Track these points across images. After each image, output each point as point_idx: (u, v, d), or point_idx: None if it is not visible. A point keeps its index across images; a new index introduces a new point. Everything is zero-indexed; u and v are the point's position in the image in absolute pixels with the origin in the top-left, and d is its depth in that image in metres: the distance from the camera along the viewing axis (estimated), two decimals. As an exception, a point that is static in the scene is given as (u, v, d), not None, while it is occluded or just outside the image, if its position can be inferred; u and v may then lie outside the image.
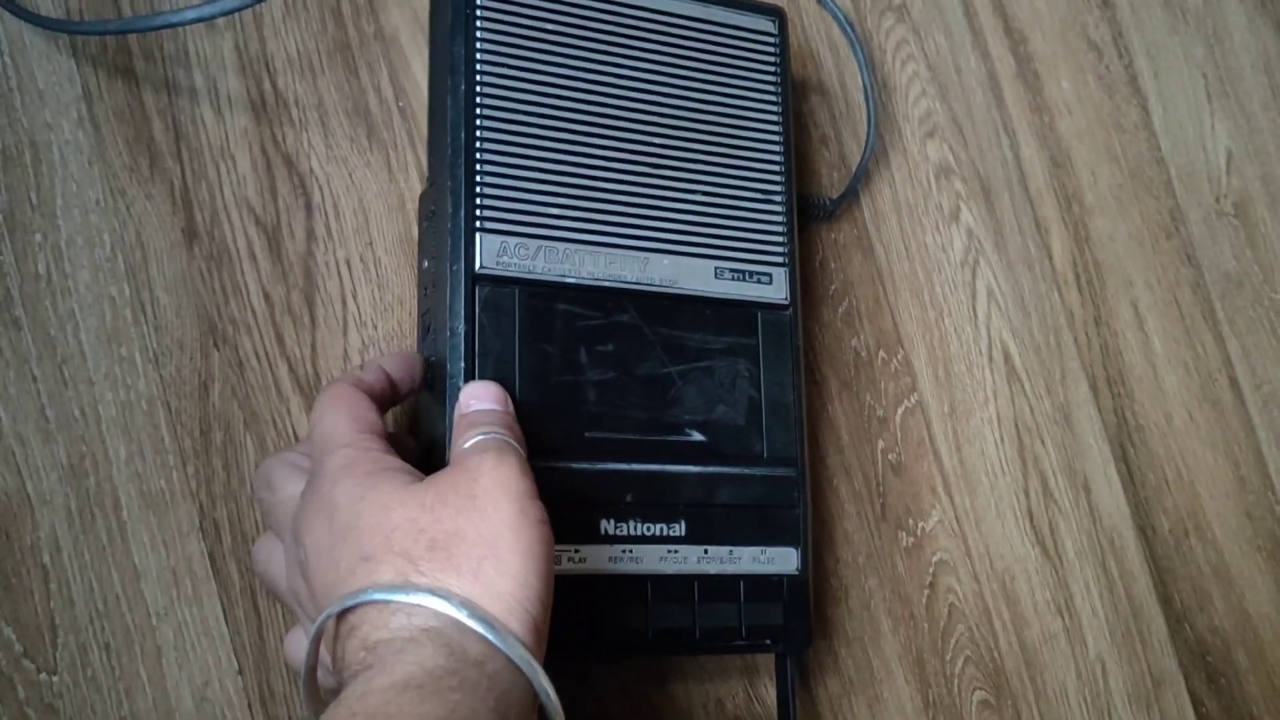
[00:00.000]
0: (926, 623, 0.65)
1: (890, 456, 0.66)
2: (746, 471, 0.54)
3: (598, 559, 0.51)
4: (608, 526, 0.51)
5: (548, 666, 0.40)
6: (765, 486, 0.55)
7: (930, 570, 0.66)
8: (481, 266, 0.50)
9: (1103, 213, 0.74)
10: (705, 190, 0.56)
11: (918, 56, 0.71)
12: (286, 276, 0.56)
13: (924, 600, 0.65)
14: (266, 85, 0.57)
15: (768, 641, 0.54)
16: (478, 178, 0.51)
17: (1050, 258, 0.72)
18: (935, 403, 0.68)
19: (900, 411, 0.67)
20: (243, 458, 0.54)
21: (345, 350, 0.56)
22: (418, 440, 0.52)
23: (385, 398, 0.49)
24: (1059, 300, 0.72)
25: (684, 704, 0.59)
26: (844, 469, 0.65)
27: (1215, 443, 0.74)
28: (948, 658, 0.65)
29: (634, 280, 0.53)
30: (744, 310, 0.56)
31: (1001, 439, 0.69)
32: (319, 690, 0.43)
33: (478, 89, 0.52)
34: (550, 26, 0.54)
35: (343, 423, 0.45)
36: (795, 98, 0.66)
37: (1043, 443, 0.70)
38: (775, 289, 0.57)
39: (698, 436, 0.54)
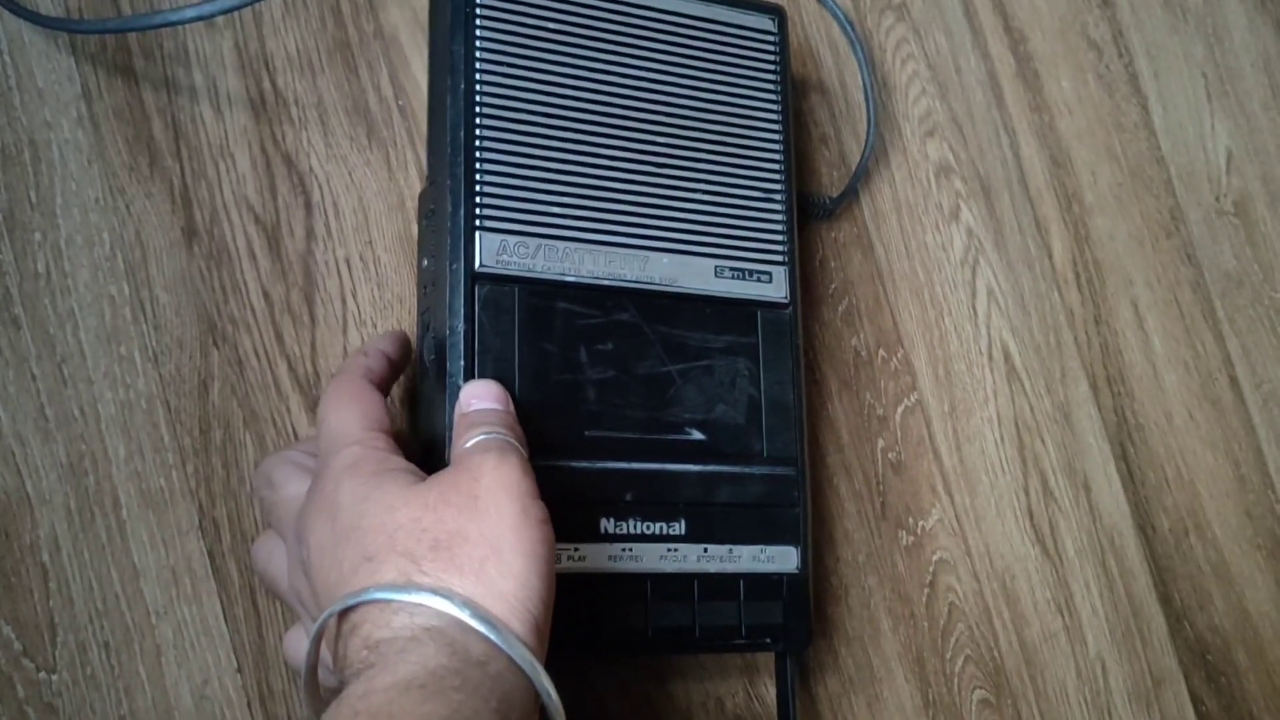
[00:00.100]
0: (926, 621, 0.65)
1: (890, 455, 0.66)
2: (746, 470, 0.54)
3: (597, 558, 0.51)
4: (607, 525, 0.51)
5: (548, 666, 0.40)
6: (765, 485, 0.55)
7: (930, 569, 0.66)
8: (481, 265, 0.50)
9: (1103, 212, 0.74)
10: (705, 189, 0.56)
11: (918, 55, 0.71)
12: (286, 275, 0.56)
13: (924, 599, 0.65)
14: (266, 84, 0.57)
15: (767, 640, 0.54)
16: (477, 176, 0.51)
17: (1050, 257, 0.72)
18: (935, 402, 0.67)
19: (900, 410, 0.67)
20: (242, 456, 0.54)
21: (345, 349, 0.56)
22: (418, 438, 0.52)
23: (389, 381, 0.50)
24: (1059, 299, 0.72)
25: (684, 703, 0.59)
26: (844, 468, 0.65)
27: (1215, 442, 0.74)
28: (948, 656, 0.65)
29: (634, 279, 0.53)
30: (744, 309, 0.56)
31: (1001, 438, 0.69)
32: (320, 689, 0.43)
33: (477, 88, 0.52)
34: (550, 25, 0.54)
35: (352, 420, 0.45)
36: (795, 96, 0.66)
37: (1043, 442, 0.70)
38: (775, 288, 0.57)
39: (697, 435, 0.54)
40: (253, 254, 0.56)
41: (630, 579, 0.51)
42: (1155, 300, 0.74)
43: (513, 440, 0.45)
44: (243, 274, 0.55)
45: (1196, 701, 0.70)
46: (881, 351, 0.67)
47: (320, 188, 0.57)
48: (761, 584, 0.54)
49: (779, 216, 0.57)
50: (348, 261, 0.57)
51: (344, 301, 0.57)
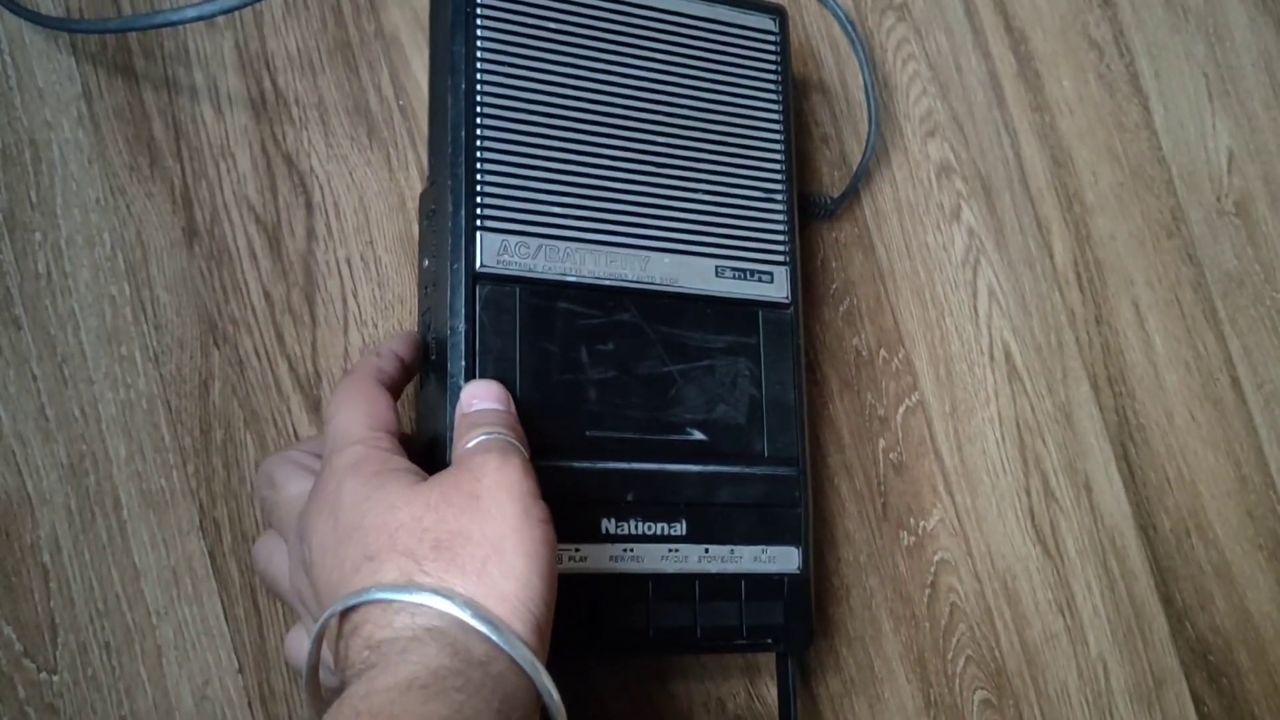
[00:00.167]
0: (928, 622, 0.65)
1: (891, 455, 0.66)
2: (747, 470, 0.54)
3: (599, 558, 0.50)
4: (609, 525, 0.51)
5: (549, 666, 0.40)
6: (766, 485, 0.55)
7: (931, 569, 0.66)
8: (482, 265, 0.50)
9: (1104, 212, 0.74)
10: (706, 189, 0.56)
11: (919, 55, 0.71)
12: (287, 275, 0.56)
13: (925, 599, 0.65)
14: (267, 84, 0.57)
15: (769, 641, 0.54)
16: (478, 176, 0.51)
17: (1051, 257, 0.72)
18: (936, 402, 0.67)
19: (901, 410, 0.67)
20: (243, 456, 0.54)
21: (346, 349, 0.56)
22: (419, 438, 0.52)
23: (400, 383, 0.50)
24: (1060, 299, 0.72)
25: (685, 703, 0.59)
26: (845, 468, 0.65)
27: (1216, 442, 0.74)
28: (949, 657, 0.65)
29: (635, 279, 0.53)
30: (745, 309, 0.56)
31: (1003, 438, 0.69)
32: (321, 689, 0.43)
33: (478, 88, 0.52)
34: (551, 25, 0.54)
35: (358, 419, 0.45)
36: (796, 96, 0.66)
37: (1044, 442, 0.70)
38: (776, 288, 0.57)
39: (699, 435, 0.54)
40: (253, 254, 0.56)
41: (631, 579, 0.51)
42: (1156, 300, 0.74)
43: (514, 440, 0.45)
44: (243, 274, 0.55)
45: (1198, 702, 0.70)
46: (883, 352, 0.67)
47: (321, 188, 0.57)
48: (763, 584, 0.54)
49: (780, 216, 0.57)
50: (348, 261, 0.57)
51: (345, 301, 0.57)
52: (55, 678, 0.50)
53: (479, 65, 0.52)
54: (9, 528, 0.51)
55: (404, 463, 0.44)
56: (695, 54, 0.57)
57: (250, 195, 0.56)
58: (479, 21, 0.52)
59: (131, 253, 0.54)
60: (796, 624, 0.55)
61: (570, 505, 0.48)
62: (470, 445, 0.44)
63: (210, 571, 0.53)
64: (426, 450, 0.50)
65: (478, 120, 0.51)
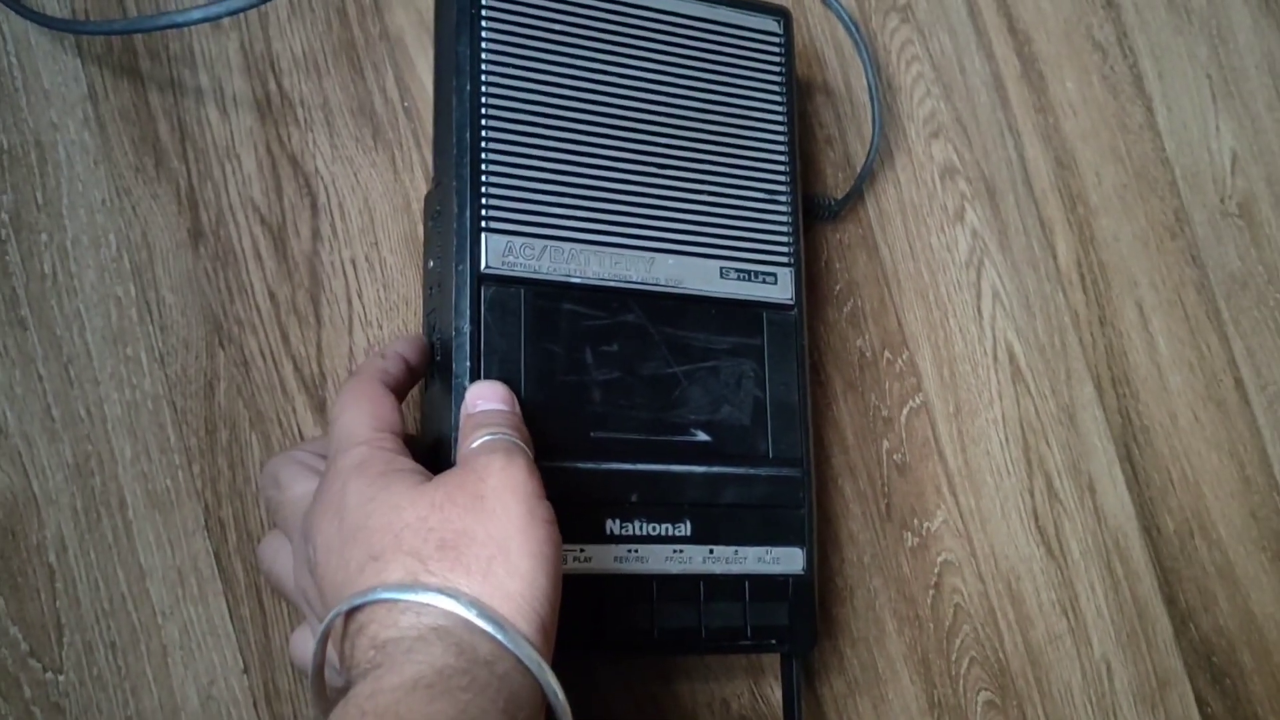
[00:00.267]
0: (931, 623, 0.65)
1: (895, 457, 0.66)
2: (752, 471, 0.54)
3: (603, 559, 0.51)
4: (613, 526, 0.51)
5: (554, 666, 0.40)
6: (770, 486, 0.55)
7: (935, 570, 0.66)
8: (487, 266, 0.50)
9: (1107, 213, 0.74)
10: (710, 190, 0.56)
11: (922, 57, 0.71)
12: (292, 276, 0.56)
13: (929, 600, 0.65)
14: (272, 85, 0.57)
15: (773, 641, 0.54)
16: (483, 178, 0.51)
17: (1055, 258, 0.72)
18: (940, 403, 0.68)
19: (905, 412, 0.67)
20: (248, 456, 0.54)
21: (350, 349, 0.56)
22: (424, 439, 0.52)
23: (406, 385, 0.50)
24: (1064, 301, 0.72)
25: (689, 704, 0.59)
26: (849, 469, 0.65)
27: (1220, 443, 0.74)
28: (953, 658, 0.65)
29: (639, 280, 0.53)
30: (749, 310, 0.56)
31: (1006, 439, 0.69)
32: (326, 689, 0.44)
33: (483, 89, 0.52)
34: (555, 26, 0.54)
35: (362, 420, 0.45)
36: (800, 98, 0.66)
37: (1047, 443, 0.70)
38: (780, 289, 0.57)
39: (703, 436, 0.54)
40: (259, 255, 0.56)
41: (636, 580, 0.51)
42: (1160, 302, 0.74)
43: (519, 441, 0.45)
44: (248, 275, 0.56)
45: (1201, 703, 0.70)
46: (886, 353, 0.67)
47: (326, 189, 0.57)
48: (767, 585, 0.54)
49: (784, 218, 0.57)
50: (353, 262, 0.57)
51: (350, 302, 0.57)
52: (61, 677, 0.50)
53: (484, 66, 0.52)
54: (15, 528, 0.51)
55: (409, 463, 0.44)
56: (699, 55, 0.57)
57: (255, 196, 0.56)
58: (484, 23, 0.52)
59: (137, 253, 0.54)
60: (801, 625, 0.55)
61: (575, 506, 0.48)
62: (475, 445, 0.44)
63: (215, 571, 0.53)
64: (431, 451, 0.50)
65: (483, 121, 0.51)
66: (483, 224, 0.50)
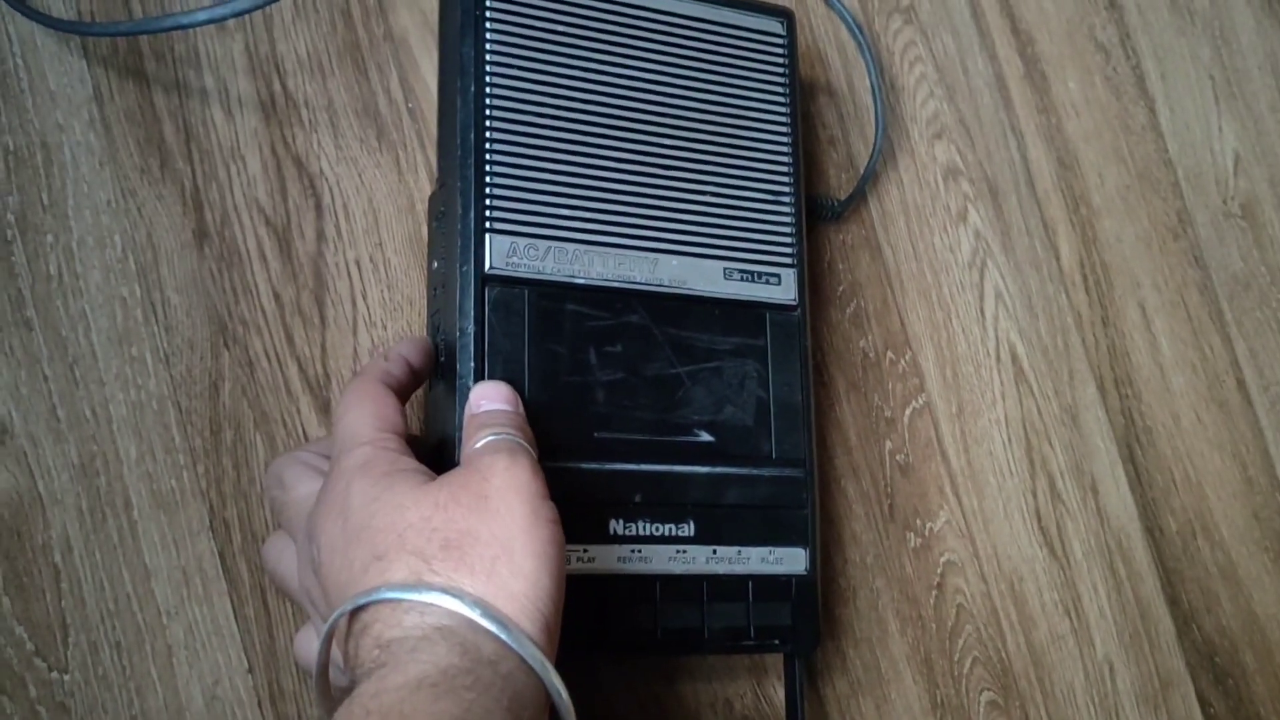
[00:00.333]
0: (934, 623, 0.65)
1: (898, 457, 0.66)
2: (755, 472, 0.55)
3: (607, 559, 0.51)
4: (616, 526, 0.51)
5: (558, 666, 0.40)
6: (773, 487, 0.55)
7: (938, 571, 0.66)
8: (491, 267, 0.50)
9: (1110, 214, 0.74)
10: (714, 191, 0.56)
11: (925, 58, 0.71)
12: (296, 277, 0.56)
13: (932, 601, 0.65)
14: (276, 86, 0.58)
15: (776, 642, 0.54)
16: (487, 179, 0.51)
17: (1058, 259, 0.72)
18: (943, 403, 0.68)
19: (908, 412, 0.67)
20: (253, 457, 0.54)
21: (355, 350, 0.57)
22: (428, 439, 0.53)
23: (409, 387, 0.50)
24: (1066, 301, 0.72)
25: (692, 704, 0.59)
26: (852, 470, 0.65)
27: (1223, 444, 0.74)
28: (955, 658, 0.65)
29: (643, 281, 0.53)
30: (752, 311, 0.56)
31: (1009, 440, 0.69)
32: (331, 689, 0.44)
33: (487, 90, 0.52)
34: (559, 28, 0.54)
35: (365, 420, 0.46)
36: (803, 99, 0.66)
37: (1050, 444, 0.70)
38: (783, 290, 0.57)
39: (706, 437, 0.54)
40: (263, 256, 0.56)
41: (639, 580, 0.51)
42: (1163, 302, 0.74)
43: (523, 441, 0.45)
44: (253, 276, 0.56)
45: (1204, 704, 0.70)
46: (889, 353, 0.67)
47: (331, 190, 0.58)
48: (770, 585, 0.54)
49: (787, 219, 0.58)
50: (358, 263, 0.57)
51: (354, 303, 0.57)
52: (66, 677, 0.50)
53: (488, 68, 0.52)
54: (21, 528, 0.51)
55: (412, 463, 0.44)
56: (703, 57, 0.57)
57: (260, 197, 0.56)
58: (488, 24, 0.52)
59: (142, 254, 0.54)
60: (804, 625, 0.55)
61: (578, 506, 0.49)
62: (479, 446, 0.44)
63: (220, 572, 0.53)
64: (435, 451, 0.51)
65: (487, 123, 0.51)
66: (487, 225, 0.51)
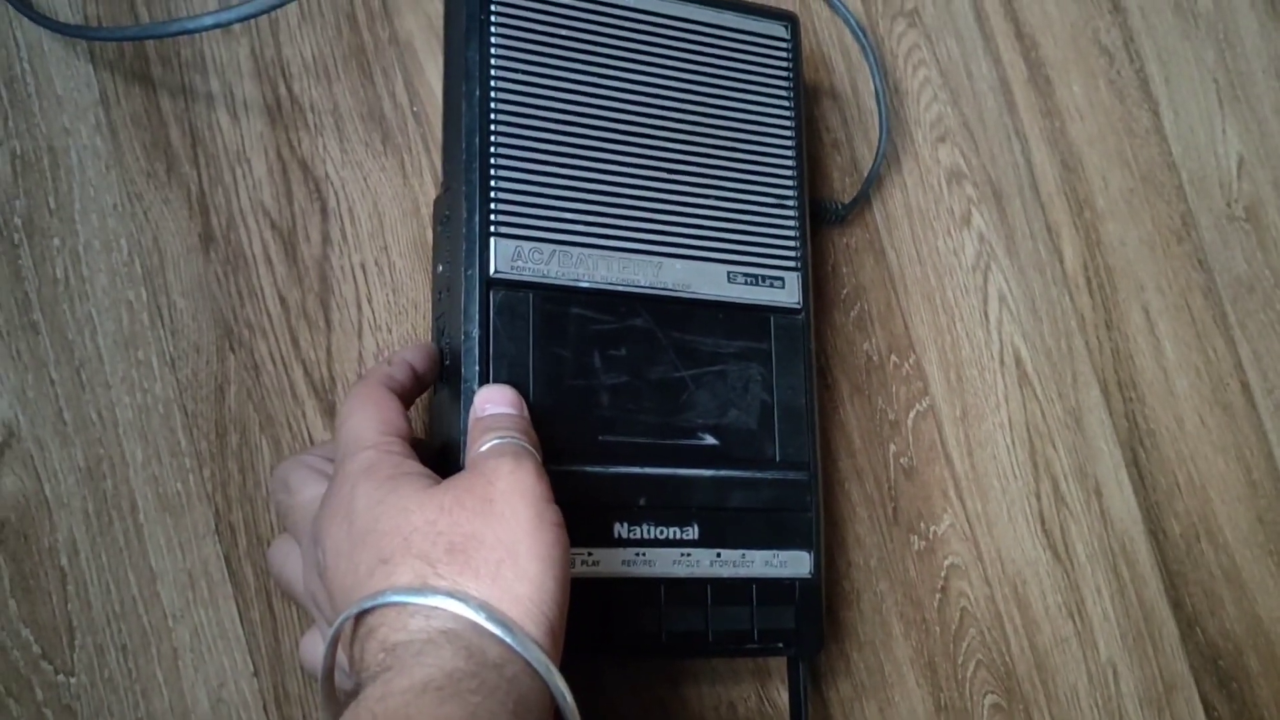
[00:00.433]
0: (938, 626, 0.65)
1: (902, 460, 0.66)
2: (759, 475, 0.55)
3: (611, 562, 0.51)
4: (621, 530, 0.51)
5: (562, 669, 0.40)
6: (777, 490, 0.55)
7: (942, 574, 0.66)
8: (495, 271, 0.50)
9: (1114, 217, 0.74)
10: (718, 195, 0.56)
11: (929, 61, 0.71)
12: (302, 280, 0.57)
13: (935, 604, 0.65)
14: (282, 90, 0.58)
15: (780, 645, 0.55)
16: (492, 182, 0.51)
17: (1061, 262, 0.72)
18: (947, 406, 0.68)
19: (912, 415, 0.67)
20: (258, 460, 0.55)
21: (360, 354, 0.57)
22: (432, 442, 0.53)
23: (412, 393, 0.50)
24: (1070, 304, 0.72)
25: (696, 707, 0.59)
26: (856, 473, 0.65)
27: (1227, 447, 0.74)
28: (959, 661, 0.65)
29: (647, 284, 0.53)
30: (756, 314, 0.56)
31: (1013, 443, 0.69)
32: (336, 692, 0.44)
33: (492, 94, 0.52)
34: (564, 32, 0.54)
35: (369, 424, 0.46)
36: (807, 102, 0.66)
37: (1054, 447, 0.70)
38: (787, 293, 0.57)
39: (710, 440, 0.54)
40: (269, 259, 0.56)
41: (644, 583, 0.51)
42: (1166, 305, 0.74)
43: (527, 445, 0.45)
44: (259, 279, 0.56)
45: (1208, 707, 0.70)
46: (893, 356, 0.67)
47: (336, 193, 0.58)
48: (774, 588, 0.54)
49: (791, 222, 0.58)
50: (363, 267, 0.58)
51: (359, 306, 0.57)
52: (73, 680, 0.51)
53: (493, 71, 0.52)
54: (27, 531, 0.51)
55: (416, 466, 0.45)
56: (708, 61, 0.57)
57: (266, 201, 0.57)
58: (493, 28, 0.52)
59: (148, 258, 0.54)
60: (807, 628, 0.55)
61: (583, 509, 0.49)
62: (484, 449, 0.44)
63: (226, 575, 0.53)
64: (440, 455, 0.51)
65: (491, 126, 0.52)
66: (491, 229, 0.51)
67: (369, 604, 0.40)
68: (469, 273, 0.50)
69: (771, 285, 0.57)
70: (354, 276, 0.57)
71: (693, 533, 0.53)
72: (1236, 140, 0.78)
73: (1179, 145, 0.77)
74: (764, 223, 0.57)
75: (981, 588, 0.66)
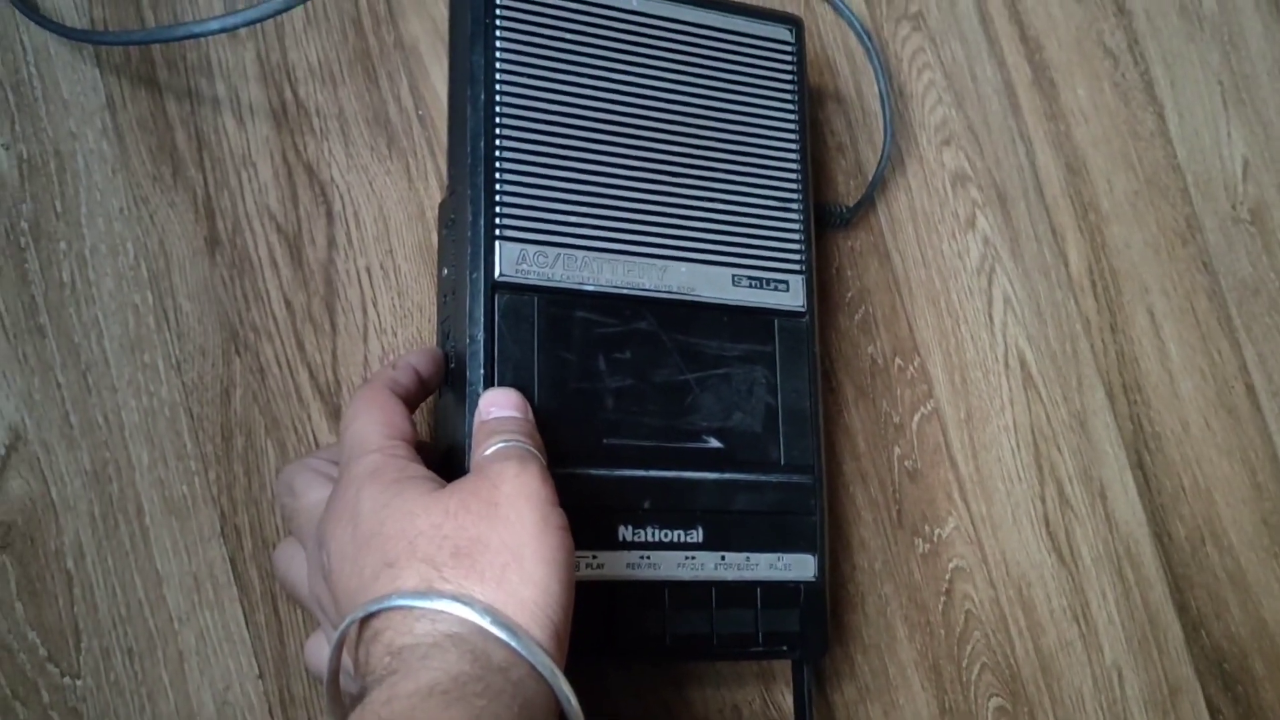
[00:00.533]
0: (943, 629, 0.65)
1: (907, 463, 0.66)
2: (763, 478, 0.55)
3: (616, 565, 0.51)
4: (625, 533, 0.51)
5: (567, 672, 0.40)
6: (782, 493, 0.55)
7: (946, 577, 0.66)
8: (501, 274, 0.50)
9: (1119, 220, 0.74)
10: (723, 198, 0.56)
11: (934, 64, 0.71)
12: (307, 284, 0.57)
13: (940, 607, 0.65)
14: (288, 94, 0.58)
15: (784, 648, 0.55)
16: (497, 186, 0.51)
17: (1066, 265, 0.72)
18: (952, 409, 0.68)
19: (917, 418, 0.67)
20: (264, 463, 0.55)
21: (365, 357, 0.57)
22: (437, 446, 0.53)
23: (417, 397, 0.50)
24: (1075, 307, 0.72)
25: (700, 710, 0.60)
26: (860, 476, 0.65)
27: (1231, 449, 0.74)
28: (964, 664, 0.65)
29: (652, 288, 0.54)
30: (761, 317, 0.56)
31: (1018, 445, 0.69)
32: (341, 695, 0.44)
33: (497, 98, 0.52)
34: (569, 36, 0.54)
35: (373, 428, 0.46)
36: (812, 106, 0.66)
37: (1059, 449, 0.70)
38: (792, 296, 0.57)
39: (715, 443, 0.54)
40: (274, 263, 0.56)
41: (648, 586, 0.51)
42: (1171, 308, 0.74)
43: (532, 448, 0.45)
44: (265, 282, 0.56)
45: (1213, 710, 0.70)
46: (898, 359, 0.67)
47: (341, 197, 0.58)
48: (779, 591, 0.54)
49: (796, 225, 0.58)
50: (368, 270, 0.58)
51: (365, 310, 0.57)
52: (79, 683, 0.51)
53: (498, 75, 0.52)
54: (34, 534, 0.51)
55: (421, 470, 0.45)
56: (712, 64, 0.57)
57: (271, 205, 0.57)
58: (498, 32, 0.53)
59: (154, 261, 0.55)
60: (812, 631, 0.55)
61: (588, 512, 0.49)
62: (489, 453, 0.45)
63: (231, 578, 0.53)
64: (445, 458, 0.51)
65: (497, 130, 0.52)
66: (496, 232, 0.51)
67: (374, 608, 0.40)
68: (474, 276, 0.50)
69: (776, 288, 0.57)
70: (359, 280, 0.57)
71: (697, 536, 0.53)
72: (1241, 143, 0.78)
73: (1184, 148, 0.77)
74: (768, 226, 0.57)
75: (986, 591, 0.66)
